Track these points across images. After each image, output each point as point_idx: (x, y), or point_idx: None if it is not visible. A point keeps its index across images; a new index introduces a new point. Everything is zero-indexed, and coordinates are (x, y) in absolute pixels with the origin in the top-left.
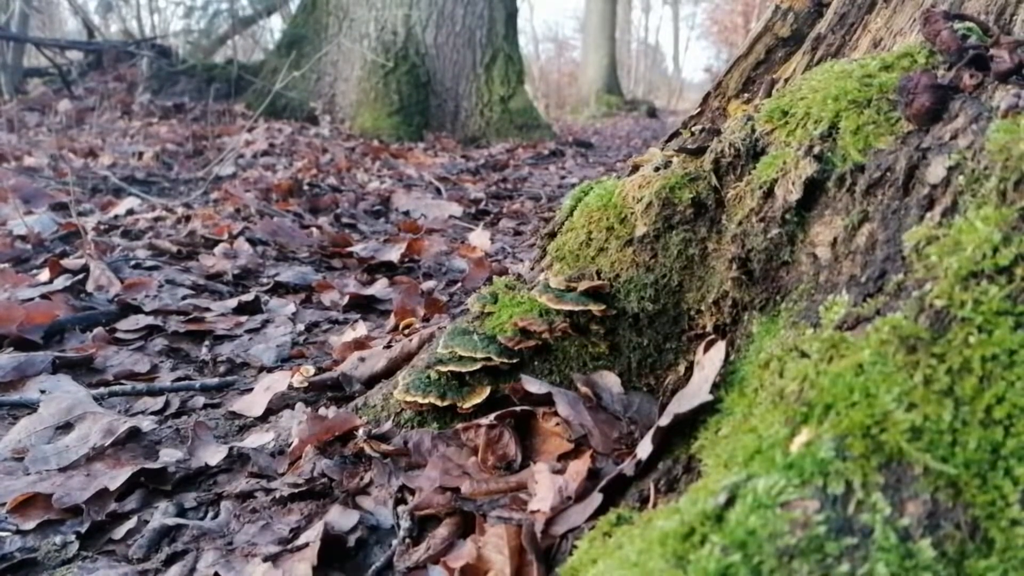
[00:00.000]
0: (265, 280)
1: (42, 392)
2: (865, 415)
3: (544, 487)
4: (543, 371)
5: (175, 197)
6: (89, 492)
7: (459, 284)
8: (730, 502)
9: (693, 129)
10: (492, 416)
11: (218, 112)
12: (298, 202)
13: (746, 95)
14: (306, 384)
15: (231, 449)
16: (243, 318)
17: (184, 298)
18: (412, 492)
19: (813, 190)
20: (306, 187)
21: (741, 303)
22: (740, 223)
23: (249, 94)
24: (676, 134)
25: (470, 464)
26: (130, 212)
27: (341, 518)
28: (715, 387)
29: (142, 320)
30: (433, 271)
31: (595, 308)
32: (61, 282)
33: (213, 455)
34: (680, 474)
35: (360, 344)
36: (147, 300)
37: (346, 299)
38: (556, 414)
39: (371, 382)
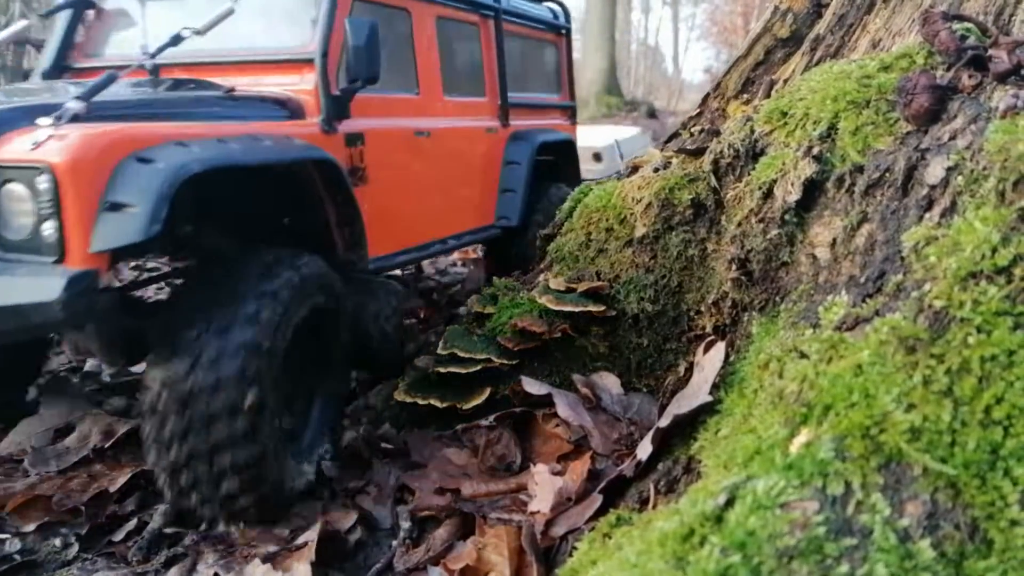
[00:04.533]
0: None
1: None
2: (864, 416)
3: (544, 488)
4: (543, 372)
5: None
6: (89, 494)
7: (459, 285)
8: (730, 503)
9: (692, 130)
10: (492, 417)
11: None
12: None
13: (745, 96)
14: None
15: None
16: None
17: None
18: (412, 493)
19: (812, 191)
20: None
21: (741, 304)
22: (739, 224)
23: None
24: (676, 135)
25: (470, 465)
26: None
27: (340, 519)
28: (715, 388)
29: None
30: (433, 272)
31: (595, 309)
32: None
33: None
34: (680, 475)
35: None
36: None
37: None
38: (556, 415)
39: (371, 383)
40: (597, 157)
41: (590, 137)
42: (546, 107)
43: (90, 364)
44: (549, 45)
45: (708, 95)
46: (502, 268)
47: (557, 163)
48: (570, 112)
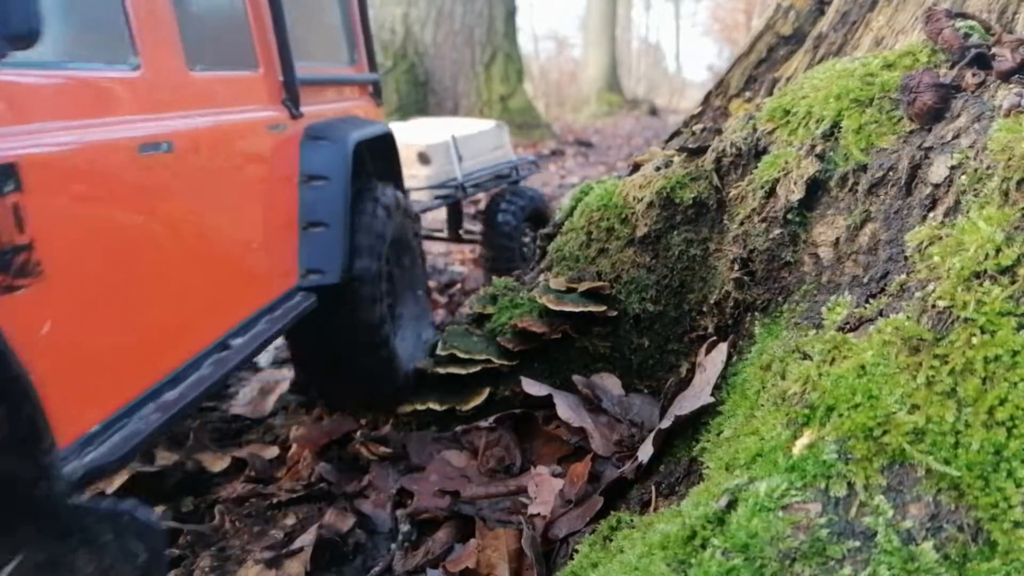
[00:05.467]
0: None
1: None
2: (867, 417)
3: (544, 490)
4: (543, 373)
5: None
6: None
7: (458, 285)
8: (732, 505)
9: (694, 128)
10: (491, 419)
11: None
12: None
13: (748, 94)
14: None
15: (228, 453)
16: None
17: None
18: (411, 495)
19: (815, 189)
20: None
21: (743, 304)
22: (742, 223)
23: None
24: (677, 133)
25: (469, 467)
26: None
27: (338, 522)
28: (716, 389)
29: None
30: (431, 272)
31: (596, 309)
32: None
33: (211, 460)
34: (681, 477)
35: None
36: None
37: None
38: (556, 416)
39: None
40: (423, 159)
41: (416, 133)
42: (340, 83)
43: None
44: None
45: (710, 93)
46: (318, 366)
47: (366, 169)
48: (373, 89)
